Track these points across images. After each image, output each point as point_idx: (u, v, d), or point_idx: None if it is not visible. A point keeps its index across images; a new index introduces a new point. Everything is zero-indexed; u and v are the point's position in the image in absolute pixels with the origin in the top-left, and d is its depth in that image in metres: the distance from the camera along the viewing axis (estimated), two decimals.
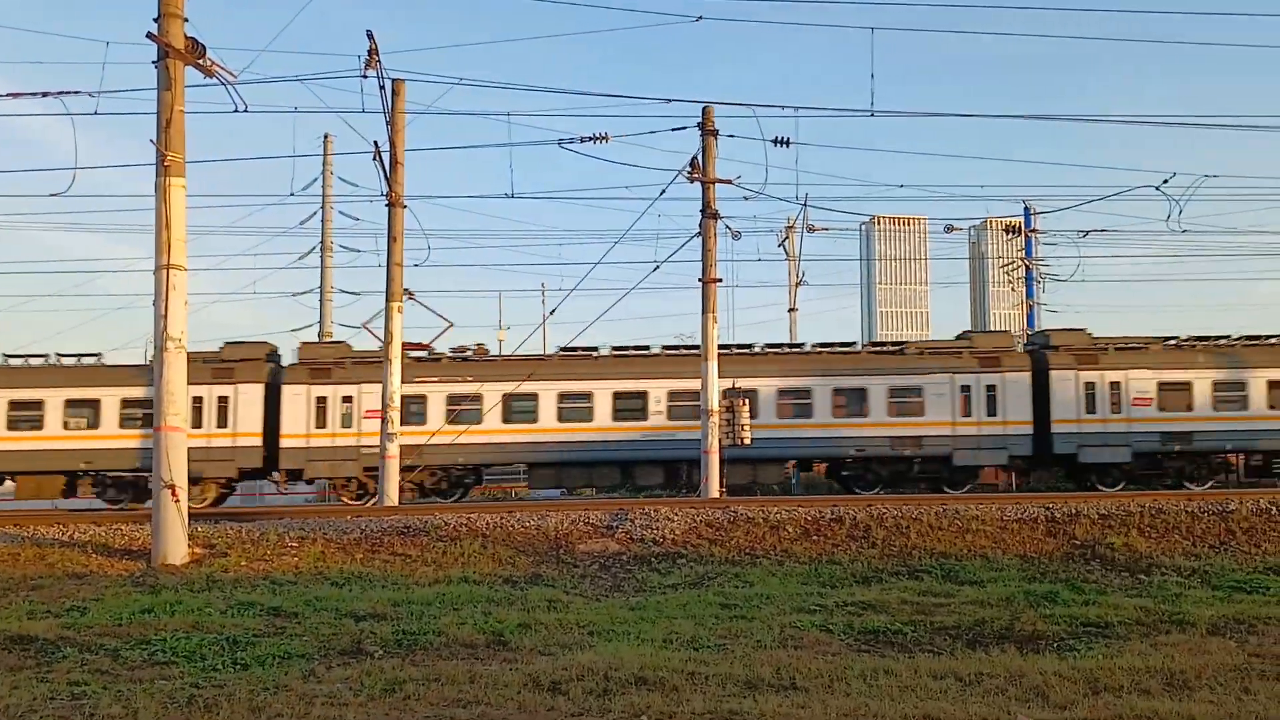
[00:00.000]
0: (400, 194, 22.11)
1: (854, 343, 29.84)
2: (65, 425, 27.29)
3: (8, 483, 28.39)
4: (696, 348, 29.38)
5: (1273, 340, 29.37)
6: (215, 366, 27.41)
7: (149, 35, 13.86)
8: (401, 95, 21.96)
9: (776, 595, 11.26)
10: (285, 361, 28.96)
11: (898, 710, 6.78)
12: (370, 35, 20.09)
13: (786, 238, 42.83)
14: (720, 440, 23.85)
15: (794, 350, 29.41)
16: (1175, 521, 15.04)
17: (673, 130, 23.28)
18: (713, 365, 23.79)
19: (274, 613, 10.35)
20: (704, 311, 24.11)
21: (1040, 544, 14.51)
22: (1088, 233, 33.16)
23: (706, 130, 23.49)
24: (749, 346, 29.47)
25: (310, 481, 29.27)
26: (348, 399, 27.66)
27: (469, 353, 29.23)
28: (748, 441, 24.98)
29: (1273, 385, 28.05)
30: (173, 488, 13.67)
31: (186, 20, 14.01)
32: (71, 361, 28.29)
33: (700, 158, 23.50)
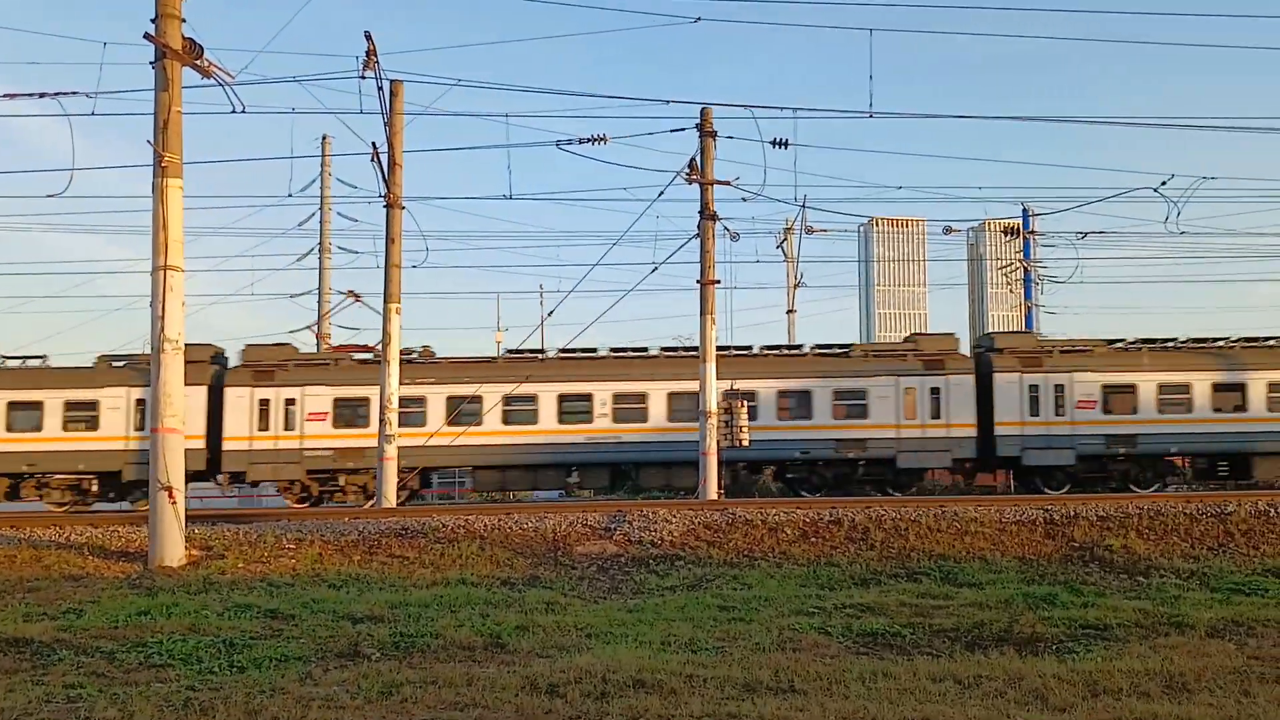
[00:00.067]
0: (398, 195, 22.09)
1: (800, 345, 29.86)
2: (9, 428, 27.26)
3: None
4: (643, 350, 29.44)
5: (1219, 343, 29.37)
6: None
7: (146, 36, 13.83)
8: (400, 96, 21.95)
9: (775, 597, 11.24)
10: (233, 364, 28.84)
11: (896, 713, 6.77)
12: (368, 36, 20.09)
13: (785, 239, 42.87)
14: (719, 442, 23.85)
15: (740, 353, 29.36)
16: (1174, 523, 15.02)
17: (671, 131, 23.27)
18: (710, 367, 23.78)
19: (271, 615, 10.32)
20: (703, 313, 24.09)
21: (1039, 546, 14.50)
22: (1086, 234, 33.14)
23: (705, 131, 23.49)
24: (696, 349, 29.48)
25: (254, 484, 29.07)
26: (291, 401, 27.51)
27: (414, 356, 29.04)
28: (745, 443, 24.98)
29: (1217, 388, 28.05)
30: (170, 490, 13.63)
31: (184, 21, 13.97)
32: (17, 364, 28.36)
33: (699, 159, 23.50)
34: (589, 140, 22.31)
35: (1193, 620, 9.86)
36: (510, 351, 29.33)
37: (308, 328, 27.29)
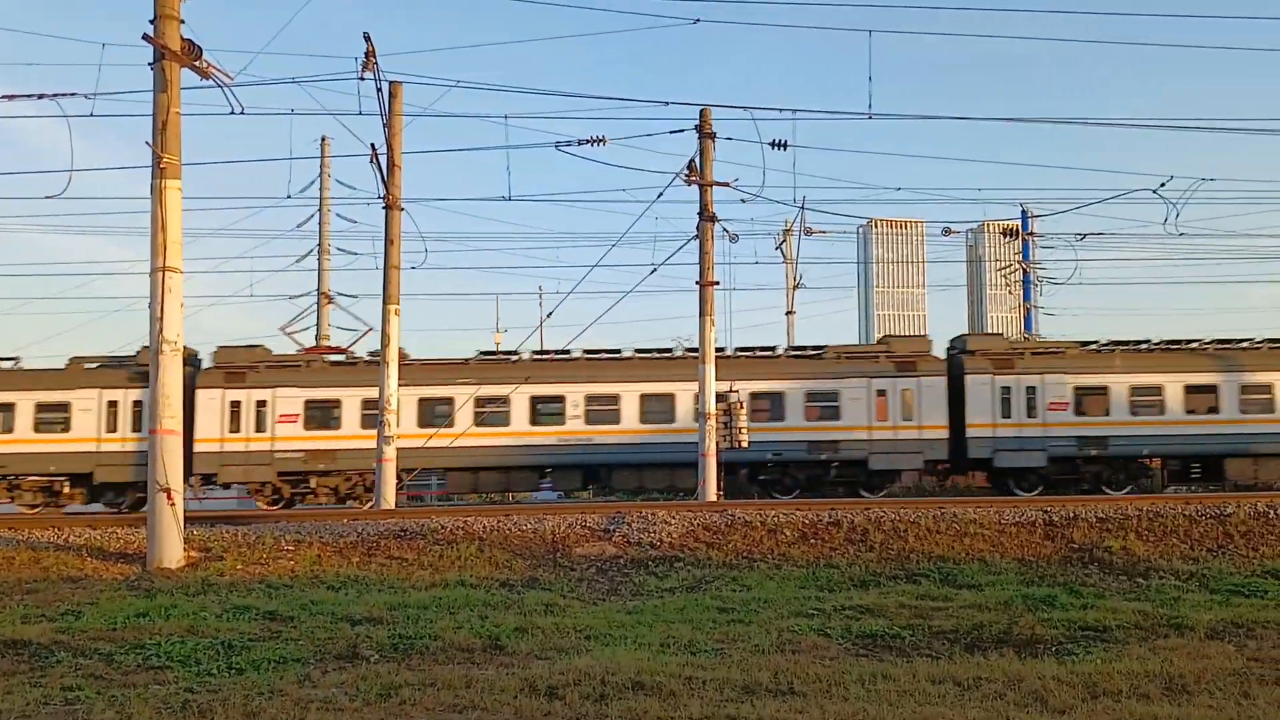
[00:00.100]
0: (397, 196, 22.07)
1: (774, 347, 29.81)
2: None
3: None
4: (617, 352, 29.36)
5: (1192, 345, 29.37)
6: (131, 370, 27.35)
7: (145, 37, 13.82)
8: (399, 97, 21.93)
9: (774, 599, 11.23)
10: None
11: (896, 715, 6.76)
12: (367, 37, 20.05)
13: (784, 240, 42.80)
14: (718, 443, 23.84)
15: (715, 355, 29.32)
16: (1173, 525, 15.01)
17: (670, 133, 23.22)
18: (709, 368, 23.77)
19: (269, 617, 10.31)
20: (702, 314, 24.10)
21: (1038, 547, 14.49)
22: (1085, 235, 33.12)
23: (704, 133, 23.48)
24: (669, 351, 29.49)
25: (226, 486, 28.92)
26: (262, 403, 27.40)
27: None
28: (745, 445, 24.96)
29: (1190, 390, 28.00)
30: (168, 491, 13.62)
31: (183, 22, 13.96)
32: None
33: (698, 160, 23.49)
34: (588, 141, 22.30)
35: (1192, 622, 9.85)
36: (483, 353, 29.17)
37: (280, 329, 27.15)
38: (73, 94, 16.01)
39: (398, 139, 21.95)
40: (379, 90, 20.61)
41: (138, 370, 27.29)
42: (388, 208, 22.10)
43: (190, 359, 28.37)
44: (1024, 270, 41.89)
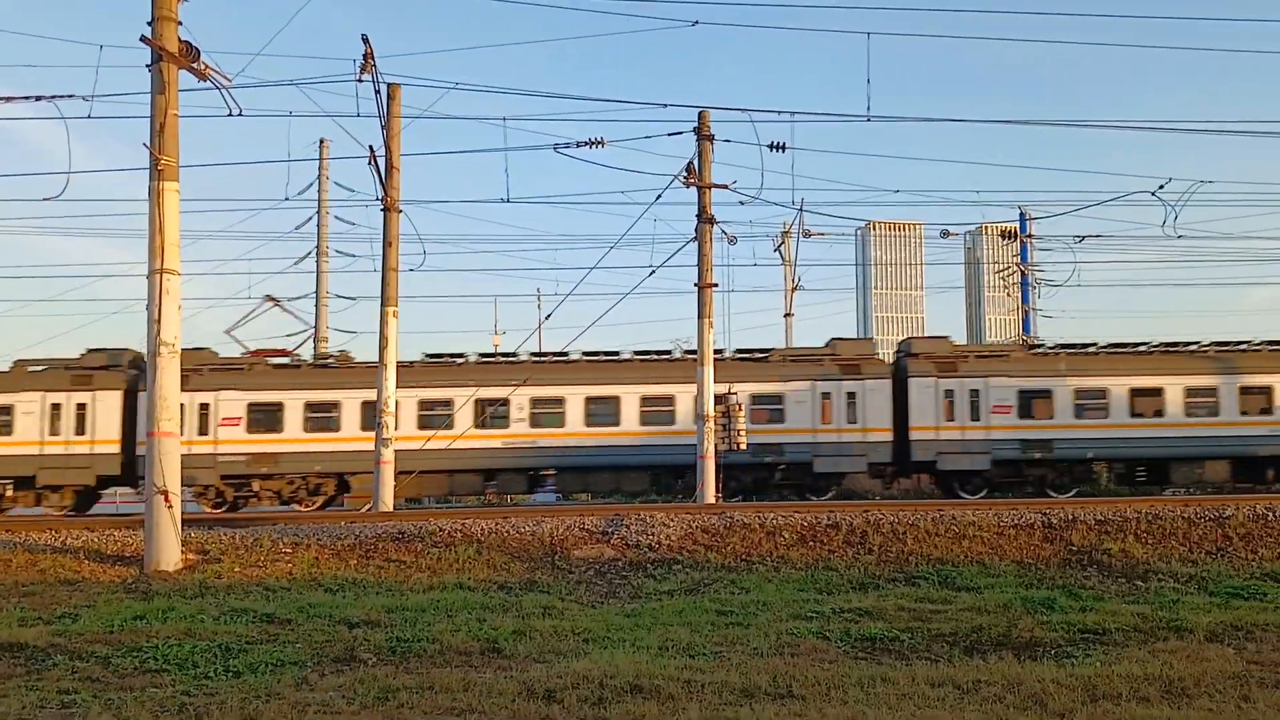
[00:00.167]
0: (396, 199, 22.06)
1: (721, 350, 29.75)
2: None
3: None
4: (564, 354, 29.29)
5: (1140, 348, 29.39)
6: (75, 373, 27.26)
7: (143, 39, 13.80)
8: (397, 100, 21.92)
9: (773, 602, 11.21)
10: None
11: (895, 718, 6.74)
12: (366, 39, 20.05)
13: (782, 242, 42.79)
14: (716, 445, 23.83)
15: (661, 357, 29.31)
16: (1172, 527, 15.00)
17: (669, 135, 23.20)
18: (708, 370, 23.77)
19: (267, 619, 10.28)
20: (700, 316, 24.09)
21: (1037, 550, 14.47)
22: (1083, 238, 33.08)
23: (702, 135, 23.48)
24: (616, 353, 29.40)
25: None
26: (205, 406, 27.22)
27: (331, 361, 28.89)
28: (743, 446, 24.94)
29: (1135, 393, 27.99)
30: (165, 493, 13.60)
31: (180, 24, 13.94)
32: None
33: (696, 162, 23.49)
34: (587, 144, 22.29)
35: (1191, 624, 9.84)
36: (429, 356, 29.05)
37: (226, 331, 26.92)
38: (71, 96, 15.99)
39: (396, 141, 21.94)
40: (377, 92, 20.63)
41: (81, 372, 27.27)
42: (386, 210, 22.09)
43: (136, 361, 28.28)
44: (1022, 272, 41.90)
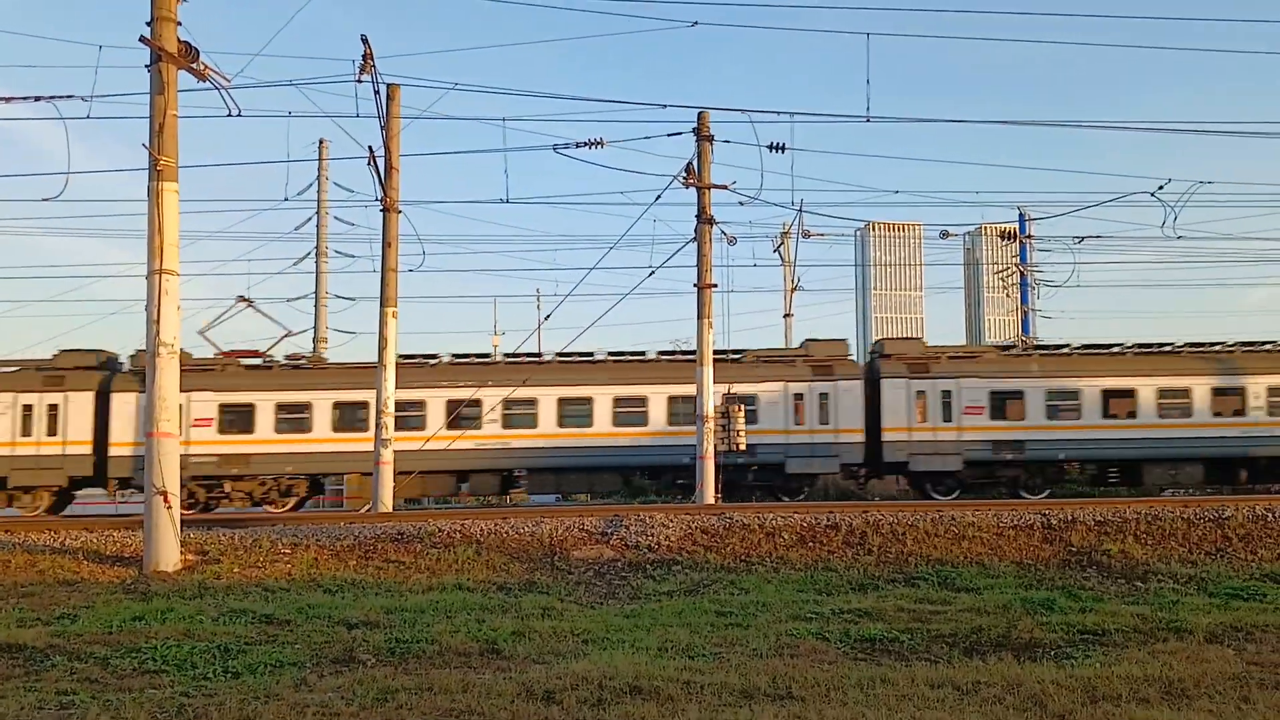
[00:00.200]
0: (395, 199, 22.06)
1: (692, 351, 29.73)
2: None
3: None
4: (532, 354, 29.21)
5: (1113, 349, 29.36)
6: (47, 374, 27.15)
7: (142, 39, 13.80)
8: (396, 100, 21.92)
9: (772, 603, 11.20)
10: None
11: (895, 719, 6.73)
12: (365, 40, 20.04)
13: (782, 243, 42.78)
14: (716, 445, 23.83)
15: (634, 358, 29.22)
16: (1171, 528, 15.00)
17: (668, 136, 23.17)
18: (708, 370, 23.77)
19: (266, 620, 10.28)
20: (699, 317, 24.09)
21: (1036, 551, 14.47)
22: (1083, 238, 33.17)
23: (702, 135, 23.48)
24: (586, 355, 29.27)
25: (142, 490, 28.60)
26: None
27: (303, 362, 28.78)
28: (742, 447, 24.93)
29: (1107, 395, 27.92)
30: (165, 494, 13.59)
31: (180, 24, 13.94)
32: None
33: (695, 163, 23.49)
34: (586, 144, 22.28)
35: (1191, 625, 9.84)
36: (402, 357, 28.97)
37: (199, 332, 26.76)
38: (70, 96, 15.98)
39: (395, 141, 21.93)
40: (376, 93, 20.62)
41: (53, 373, 27.16)
42: (385, 210, 22.09)
43: (108, 362, 28.15)
44: (1021, 273, 41.89)
